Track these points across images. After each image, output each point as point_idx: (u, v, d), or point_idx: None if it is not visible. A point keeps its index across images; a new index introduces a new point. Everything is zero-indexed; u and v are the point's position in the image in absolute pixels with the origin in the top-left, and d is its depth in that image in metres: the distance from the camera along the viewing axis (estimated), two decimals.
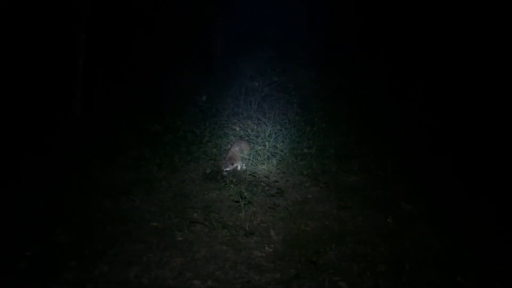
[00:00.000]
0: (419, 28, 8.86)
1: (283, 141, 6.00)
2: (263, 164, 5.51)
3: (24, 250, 3.42)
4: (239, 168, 5.27)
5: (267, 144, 5.75)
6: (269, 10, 8.79)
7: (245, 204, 4.25)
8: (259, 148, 5.68)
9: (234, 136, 6.28)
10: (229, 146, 5.64)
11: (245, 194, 4.35)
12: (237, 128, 6.78)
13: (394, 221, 4.25)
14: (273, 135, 6.11)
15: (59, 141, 5.94)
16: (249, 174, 5.11)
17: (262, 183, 5.06)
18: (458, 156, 6.13)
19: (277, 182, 5.06)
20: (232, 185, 4.81)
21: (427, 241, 3.91)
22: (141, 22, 9.49)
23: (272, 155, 5.61)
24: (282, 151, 5.76)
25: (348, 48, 8.65)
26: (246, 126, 6.82)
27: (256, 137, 6.15)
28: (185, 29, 10.10)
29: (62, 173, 5.00)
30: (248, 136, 6.21)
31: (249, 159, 5.42)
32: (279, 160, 5.57)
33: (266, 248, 3.68)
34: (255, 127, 6.72)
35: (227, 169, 5.17)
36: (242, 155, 5.39)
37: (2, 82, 6.67)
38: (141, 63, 9.62)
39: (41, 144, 5.74)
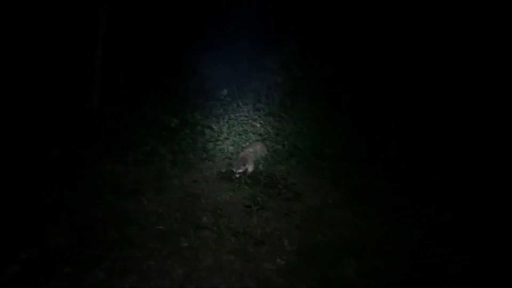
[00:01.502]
0: None
1: (304, 140, 5.63)
2: (282, 164, 5.19)
3: (19, 252, 3.19)
4: (249, 170, 4.93)
5: (286, 143, 5.40)
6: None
7: (258, 209, 3.93)
8: (278, 147, 5.34)
9: (253, 133, 5.96)
10: (247, 145, 5.31)
11: (258, 197, 4.05)
12: (258, 125, 6.46)
13: (421, 234, 3.84)
14: (294, 133, 5.75)
15: (72, 135, 5.74)
16: (265, 176, 4.77)
17: (279, 185, 4.74)
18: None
19: (295, 184, 4.74)
20: (246, 187, 4.50)
21: (458, 259, 3.49)
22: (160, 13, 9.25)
23: (292, 155, 5.26)
24: (303, 150, 5.40)
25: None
26: (267, 123, 6.49)
27: (277, 135, 5.82)
28: (205, 21, 9.80)
29: (70, 169, 4.79)
30: (268, 133, 5.87)
31: (266, 159, 5.08)
32: (299, 161, 5.24)
33: (278, 260, 3.37)
34: (277, 124, 6.38)
35: (239, 170, 4.85)
36: (255, 157, 5.05)
37: (21, 75, 6.54)
38: (163, 56, 9.41)
39: (52, 138, 5.54)
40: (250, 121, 6.47)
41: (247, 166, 4.93)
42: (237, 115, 6.62)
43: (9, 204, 3.93)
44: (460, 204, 4.51)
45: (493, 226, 4.09)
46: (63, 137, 5.61)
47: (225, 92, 7.21)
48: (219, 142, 5.64)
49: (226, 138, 5.82)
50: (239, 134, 5.91)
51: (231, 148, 5.51)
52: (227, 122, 6.24)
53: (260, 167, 4.98)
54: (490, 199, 4.61)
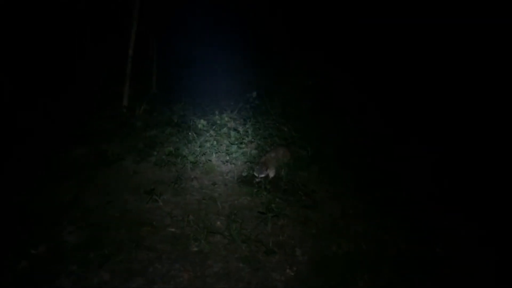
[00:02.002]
0: None
1: (329, 147, 5.48)
2: (304, 170, 5.05)
3: (30, 248, 3.23)
4: (270, 175, 4.82)
5: (309, 149, 5.26)
6: None
7: (272, 216, 3.82)
8: (302, 152, 5.21)
9: (279, 137, 5.85)
10: (270, 149, 5.21)
11: (273, 205, 3.93)
12: (285, 129, 6.35)
13: (443, 252, 3.62)
14: (319, 139, 5.60)
15: (100, 133, 5.83)
16: (285, 182, 4.66)
17: (299, 192, 4.60)
18: None
19: (316, 192, 4.59)
20: (265, 192, 4.40)
21: (484, 280, 3.26)
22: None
23: (315, 162, 5.12)
24: (327, 157, 5.25)
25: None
26: (294, 127, 6.37)
27: (302, 140, 5.69)
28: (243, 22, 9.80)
29: (93, 167, 4.85)
30: (292, 138, 5.75)
31: (288, 165, 4.97)
32: (322, 168, 5.08)
33: (288, 270, 3.26)
34: (304, 129, 6.25)
35: (261, 175, 4.74)
36: (277, 162, 4.94)
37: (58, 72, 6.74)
38: (194, 57, 9.48)
39: (80, 135, 5.65)
40: (277, 125, 6.38)
41: (268, 171, 4.83)
42: (264, 118, 6.53)
43: (27, 200, 4.00)
44: (498, 220, 4.21)
45: None
46: (91, 135, 5.70)
47: (254, 94, 7.14)
48: (242, 145, 5.57)
49: (251, 142, 5.74)
50: (264, 138, 5.83)
51: (254, 152, 5.42)
52: (253, 125, 6.16)
53: (282, 172, 4.84)
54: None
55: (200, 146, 5.45)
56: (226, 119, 6.60)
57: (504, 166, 5.35)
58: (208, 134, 5.89)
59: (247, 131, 5.96)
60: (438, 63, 7.60)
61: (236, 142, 5.60)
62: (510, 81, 6.72)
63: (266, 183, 4.67)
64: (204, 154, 5.30)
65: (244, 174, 4.98)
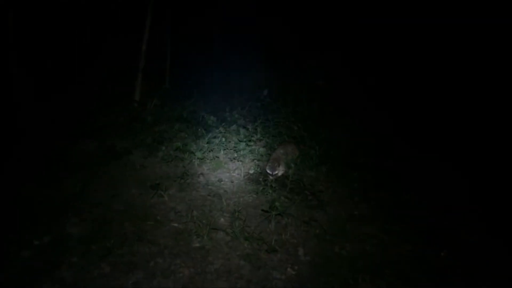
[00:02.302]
0: None
1: (338, 147, 5.43)
2: (311, 170, 5.01)
3: (34, 239, 3.26)
4: (280, 173, 4.80)
5: (317, 148, 5.22)
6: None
7: (276, 214, 3.80)
8: (310, 152, 5.17)
9: (288, 136, 5.82)
10: (277, 146, 5.19)
11: (277, 203, 3.88)
12: (295, 128, 6.31)
13: (449, 256, 3.55)
14: (328, 139, 5.56)
15: (111, 127, 5.87)
16: (291, 180, 4.63)
17: (305, 191, 4.57)
18: None
19: (322, 192, 4.55)
20: (270, 191, 4.38)
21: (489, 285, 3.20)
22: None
23: (323, 162, 5.07)
24: (335, 158, 5.20)
25: None
26: (305, 126, 6.33)
27: (311, 139, 5.65)
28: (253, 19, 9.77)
29: (103, 160, 4.89)
30: (302, 137, 5.72)
31: (296, 164, 4.94)
32: (330, 168, 5.04)
33: (289, 269, 3.24)
34: (314, 128, 6.21)
35: (275, 172, 4.71)
36: (286, 159, 4.91)
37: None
38: (210, 54, 9.48)
39: (91, 130, 5.69)
40: (287, 123, 6.35)
41: (280, 168, 4.80)
42: (274, 116, 6.51)
43: (34, 191, 4.04)
44: (496, 228, 4.13)
45: None
46: (101, 128, 5.74)
47: (265, 92, 7.13)
48: (251, 143, 5.56)
49: (259, 139, 5.73)
50: (273, 136, 5.81)
51: (262, 149, 5.40)
52: (262, 122, 6.14)
53: (289, 171, 4.81)
54: None
55: (208, 143, 5.44)
56: (236, 116, 6.61)
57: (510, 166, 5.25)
58: (217, 131, 5.89)
59: (256, 129, 5.95)
60: (449, 62, 7.48)
61: (244, 140, 5.58)
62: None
63: (273, 181, 4.63)
64: (212, 150, 5.30)
65: (251, 171, 4.96)
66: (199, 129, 5.90)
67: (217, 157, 5.22)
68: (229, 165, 5.13)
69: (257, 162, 5.13)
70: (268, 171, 4.71)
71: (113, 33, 7.56)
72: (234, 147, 5.45)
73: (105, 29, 7.50)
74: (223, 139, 5.64)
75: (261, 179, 4.75)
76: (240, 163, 5.15)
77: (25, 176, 4.38)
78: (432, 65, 7.67)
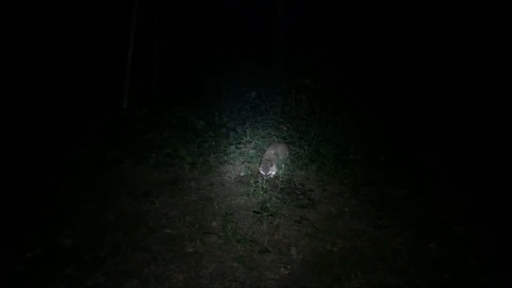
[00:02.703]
0: None
1: (328, 145, 5.48)
2: (302, 169, 5.05)
3: (27, 251, 3.26)
4: (273, 174, 4.84)
5: (306, 148, 5.27)
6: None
7: (268, 215, 3.83)
8: (300, 151, 5.22)
9: (277, 137, 5.86)
10: (267, 146, 5.23)
11: (268, 204, 3.93)
12: (284, 128, 6.36)
13: (438, 248, 3.62)
14: (318, 137, 5.61)
15: (99, 135, 5.87)
16: (282, 181, 4.67)
17: (297, 191, 4.62)
18: None
19: (313, 191, 4.60)
20: (261, 192, 4.42)
21: (475, 276, 3.25)
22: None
23: (313, 160, 5.12)
24: (325, 156, 5.25)
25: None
26: (293, 126, 6.39)
27: (300, 138, 5.70)
28: (242, 22, 9.82)
29: (92, 170, 4.89)
30: (291, 137, 5.76)
31: (287, 164, 4.98)
32: (320, 166, 5.08)
33: (282, 269, 3.27)
34: (303, 127, 6.25)
35: (269, 173, 4.75)
36: (278, 159, 4.95)
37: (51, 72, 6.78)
38: (197, 57, 9.50)
39: (79, 138, 5.69)
40: (276, 124, 6.39)
41: (273, 168, 4.83)
42: (263, 117, 6.55)
43: (24, 203, 4.04)
44: (487, 217, 4.20)
45: None
46: (89, 137, 5.75)
47: (253, 94, 7.17)
48: (240, 145, 5.59)
49: (249, 141, 5.76)
50: (262, 137, 5.84)
51: (252, 151, 5.44)
52: (251, 124, 6.18)
53: (280, 171, 4.85)
54: None
55: (198, 147, 5.47)
56: (225, 119, 6.65)
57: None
58: (206, 135, 5.93)
59: (245, 131, 5.98)
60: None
61: (234, 142, 5.63)
62: None
63: (264, 182, 4.67)
64: (202, 155, 5.33)
65: (242, 174, 4.99)
66: (189, 134, 5.92)
67: (208, 161, 5.24)
68: (219, 168, 5.16)
69: (247, 164, 5.17)
70: (262, 172, 4.75)
71: (99, 40, 7.55)
72: (224, 150, 5.48)
73: (90, 37, 7.49)
74: (213, 143, 5.68)
75: (252, 181, 4.78)
76: (231, 166, 5.19)
77: (14, 188, 4.37)
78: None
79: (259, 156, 5.29)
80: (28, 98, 6.50)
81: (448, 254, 3.56)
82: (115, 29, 7.34)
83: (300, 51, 7.39)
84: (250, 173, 4.99)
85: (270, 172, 4.77)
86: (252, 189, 4.53)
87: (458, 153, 5.76)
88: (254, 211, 3.95)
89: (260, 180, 4.73)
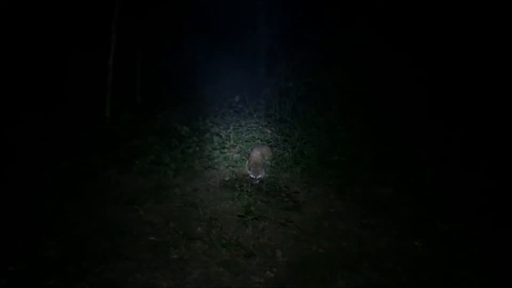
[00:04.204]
0: None
1: (312, 147, 5.50)
2: (286, 172, 5.07)
3: (8, 265, 3.20)
4: (262, 175, 4.84)
5: (290, 150, 5.29)
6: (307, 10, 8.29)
7: (252, 218, 3.83)
8: (284, 153, 5.23)
9: (261, 140, 5.87)
10: (249, 151, 5.23)
11: (252, 208, 3.94)
12: (268, 131, 6.38)
13: (423, 245, 3.65)
14: (302, 139, 5.63)
15: (82, 144, 5.80)
16: (267, 183, 4.67)
17: (282, 194, 4.62)
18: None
19: (298, 193, 4.60)
20: (246, 196, 4.41)
21: (460, 272, 3.28)
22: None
23: (297, 163, 5.13)
24: (309, 158, 5.26)
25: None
26: (277, 129, 6.40)
27: (284, 141, 5.71)
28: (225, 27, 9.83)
29: (76, 179, 4.84)
30: (275, 140, 5.77)
31: (272, 166, 4.98)
32: (304, 168, 5.11)
33: (267, 272, 3.26)
34: (287, 130, 6.27)
35: (259, 176, 4.77)
36: (264, 161, 4.96)
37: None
38: (179, 62, 9.48)
39: (62, 147, 5.62)
40: (260, 127, 6.40)
41: (263, 170, 4.83)
42: (247, 121, 6.56)
43: (5, 214, 3.98)
44: (475, 215, 4.24)
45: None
46: (73, 147, 5.68)
47: (237, 98, 7.18)
48: (225, 150, 5.59)
49: (233, 146, 5.76)
50: (246, 141, 5.85)
51: (236, 155, 5.44)
52: (235, 129, 6.18)
53: (261, 174, 4.85)
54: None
55: (182, 153, 5.46)
56: (209, 124, 6.65)
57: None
58: (190, 141, 5.91)
59: (229, 136, 5.97)
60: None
61: (218, 147, 5.62)
62: None
63: (248, 186, 4.66)
64: (186, 160, 5.31)
65: (226, 178, 4.99)
66: (173, 141, 5.90)
67: (192, 167, 5.22)
68: (204, 174, 5.15)
69: (232, 169, 5.16)
70: (252, 176, 4.75)
71: (78, 47, 7.49)
72: (208, 155, 5.47)
73: (70, 44, 7.42)
74: (197, 148, 5.67)
75: (237, 185, 4.77)
76: (215, 171, 5.18)
77: None
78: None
79: (243, 160, 5.30)
80: (7, 108, 6.38)
81: (434, 251, 3.60)
82: (96, 37, 7.28)
83: (283, 55, 7.37)
84: (235, 177, 4.99)
85: (260, 176, 4.76)
86: (237, 193, 4.52)
87: (445, 151, 5.80)
88: (238, 215, 3.94)
89: (245, 184, 4.71)
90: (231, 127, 6.24)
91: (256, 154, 4.96)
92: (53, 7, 7.18)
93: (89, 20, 7.56)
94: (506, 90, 6.58)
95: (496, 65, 6.93)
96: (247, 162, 4.99)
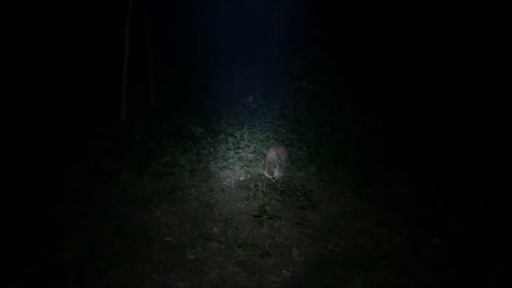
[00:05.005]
0: None
1: (326, 146, 5.47)
2: (301, 171, 5.04)
3: (25, 267, 3.25)
4: (277, 174, 4.84)
5: (305, 149, 5.27)
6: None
7: (268, 218, 3.82)
8: (299, 152, 5.21)
9: (275, 139, 5.87)
10: (264, 150, 5.23)
11: (267, 207, 3.91)
12: (283, 131, 6.37)
13: (441, 243, 3.58)
14: (316, 138, 5.60)
15: (98, 148, 5.86)
16: (281, 183, 4.66)
17: (297, 193, 4.60)
18: None
19: (313, 192, 4.58)
20: (261, 196, 4.40)
21: (481, 272, 3.22)
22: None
23: (312, 161, 5.11)
24: (324, 156, 5.23)
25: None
26: (292, 128, 6.40)
27: (299, 140, 5.69)
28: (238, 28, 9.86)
29: (92, 182, 4.88)
30: (290, 139, 5.75)
31: (287, 165, 4.97)
32: (319, 167, 5.07)
33: (284, 271, 3.25)
34: (302, 129, 6.26)
35: (274, 175, 4.80)
36: (279, 160, 4.95)
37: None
38: (196, 64, 9.53)
39: (78, 152, 5.68)
40: (274, 127, 6.40)
41: (277, 169, 4.84)
42: (261, 121, 6.56)
43: (21, 217, 4.03)
44: (490, 211, 4.16)
45: None
46: (88, 149, 5.74)
47: (250, 99, 7.19)
48: (239, 150, 5.59)
49: (248, 146, 5.76)
50: (261, 141, 5.84)
51: (251, 155, 5.44)
52: (249, 129, 6.19)
53: (276, 173, 4.84)
54: None
55: (197, 154, 5.46)
56: (224, 125, 6.67)
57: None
58: (205, 142, 5.92)
59: (243, 136, 5.97)
60: None
61: (232, 148, 5.62)
62: None
63: (263, 185, 4.66)
64: (201, 161, 5.32)
65: (241, 178, 4.99)
66: (187, 142, 5.91)
67: (207, 167, 5.23)
68: (219, 174, 5.15)
69: (246, 169, 5.16)
70: (267, 175, 4.76)
71: (93, 52, 7.56)
72: (223, 156, 5.48)
73: (84, 50, 7.49)
74: (212, 149, 5.68)
75: (252, 185, 4.77)
76: (230, 171, 5.18)
77: (12, 203, 4.34)
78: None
79: (258, 160, 5.30)
80: (21, 109, 6.46)
81: (451, 249, 3.53)
82: (110, 41, 7.35)
83: (296, 54, 7.36)
84: (250, 177, 4.99)
85: (275, 174, 4.76)
86: (252, 193, 4.51)
87: (458, 149, 5.70)
88: (254, 215, 3.93)
89: (260, 184, 4.70)
90: (245, 127, 6.24)
91: (272, 154, 4.96)
92: (66, 7, 7.22)
93: (102, 23, 7.61)
94: None
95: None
96: (263, 162, 4.98)
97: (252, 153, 5.54)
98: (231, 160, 5.36)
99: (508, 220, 3.93)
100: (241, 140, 5.89)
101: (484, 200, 4.37)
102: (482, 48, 6.91)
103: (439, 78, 7.07)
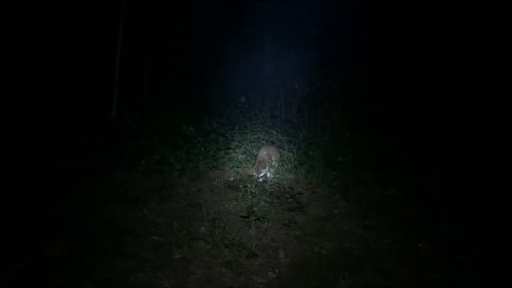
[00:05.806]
0: None
1: (316, 148, 5.49)
2: (291, 173, 5.06)
3: (12, 262, 3.23)
4: (268, 175, 4.85)
5: (295, 151, 5.29)
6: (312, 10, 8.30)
7: (256, 219, 3.83)
8: (289, 154, 5.23)
9: (266, 141, 5.88)
10: (254, 151, 5.24)
11: (255, 208, 3.92)
12: (274, 132, 6.38)
13: (427, 247, 3.62)
14: (307, 140, 5.63)
15: (88, 145, 5.83)
16: (270, 184, 4.68)
17: (286, 195, 4.63)
18: None
19: (302, 194, 4.60)
20: (250, 196, 4.42)
21: (464, 275, 3.26)
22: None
23: (301, 163, 5.13)
24: (314, 158, 5.26)
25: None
26: (283, 129, 6.41)
27: (289, 142, 5.71)
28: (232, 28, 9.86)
29: (82, 179, 4.86)
30: (280, 141, 5.77)
31: (276, 167, 4.99)
32: (309, 169, 5.10)
33: (269, 273, 3.26)
34: (292, 131, 6.28)
35: (261, 174, 4.82)
36: (270, 161, 4.97)
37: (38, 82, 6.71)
38: (187, 63, 9.51)
39: (68, 148, 5.66)
40: (265, 128, 6.41)
41: (266, 170, 4.84)
42: (252, 122, 6.57)
43: (11, 213, 4.01)
44: (478, 217, 4.21)
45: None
46: (78, 145, 5.72)
47: (242, 99, 7.18)
48: (230, 150, 5.60)
49: (238, 146, 5.77)
50: (251, 142, 5.85)
51: (241, 156, 5.45)
52: (240, 129, 6.19)
53: (268, 174, 4.86)
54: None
55: (187, 153, 5.46)
56: (215, 125, 6.65)
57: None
58: (196, 141, 5.91)
59: (234, 136, 5.98)
60: None
61: (223, 148, 5.62)
62: None
63: (253, 186, 4.67)
64: (191, 161, 5.32)
65: (231, 179, 5.00)
66: (178, 141, 5.90)
67: (197, 167, 5.24)
68: (208, 174, 5.16)
69: (236, 169, 5.17)
70: (255, 174, 4.77)
71: (85, 46, 7.52)
72: (213, 155, 5.48)
73: (76, 42, 7.45)
74: (202, 149, 5.68)
75: (241, 186, 4.78)
76: (220, 171, 5.19)
77: (0, 200, 4.31)
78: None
79: (248, 161, 5.32)
80: (11, 107, 6.42)
81: (437, 253, 3.57)
82: (103, 37, 7.32)
83: (289, 55, 7.39)
84: (239, 177, 5.00)
85: (262, 174, 4.78)
86: (241, 194, 4.53)
87: (448, 152, 5.77)
88: (241, 216, 3.94)
89: (249, 185, 4.72)
90: (237, 128, 6.24)
91: (263, 153, 4.98)
92: (59, 5, 7.18)
93: (95, 18, 7.58)
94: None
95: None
96: (254, 161, 5.00)
97: (242, 154, 5.55)
98: (221, 160, 5.37)
99: (495, 226, 3.97)
100: (232, 140, 5.89)
101: (473, 205, 4.42)
102: (482, 48, 6.98)
103: (434, 80, 7.13)
